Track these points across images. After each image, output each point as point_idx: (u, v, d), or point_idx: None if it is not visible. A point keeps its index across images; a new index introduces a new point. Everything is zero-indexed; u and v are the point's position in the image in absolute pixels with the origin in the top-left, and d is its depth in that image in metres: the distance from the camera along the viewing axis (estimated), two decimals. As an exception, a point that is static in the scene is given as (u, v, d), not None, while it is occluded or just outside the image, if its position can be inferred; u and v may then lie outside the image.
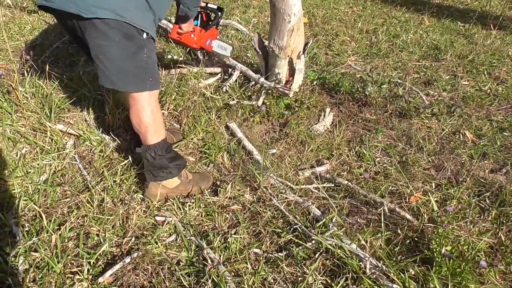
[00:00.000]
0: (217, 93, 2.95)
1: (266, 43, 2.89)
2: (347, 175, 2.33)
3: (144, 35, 1.80)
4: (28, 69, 3.17)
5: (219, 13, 2.64)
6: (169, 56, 3.42)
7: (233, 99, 2.82)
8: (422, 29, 4.41)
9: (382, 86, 2.93)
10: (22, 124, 2.52)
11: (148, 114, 1.91)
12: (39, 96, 2.67)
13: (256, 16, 4.62)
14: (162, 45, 3.86)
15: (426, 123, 2.74)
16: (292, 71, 2.85)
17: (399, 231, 1.87)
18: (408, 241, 1.83)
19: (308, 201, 2.05)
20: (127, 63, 1.80)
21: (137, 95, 1.88)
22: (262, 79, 2.82)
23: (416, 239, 1.84)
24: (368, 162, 2.42)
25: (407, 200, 2.10)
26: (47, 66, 2.74)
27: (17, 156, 2.26)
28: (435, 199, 2.02)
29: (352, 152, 2.53)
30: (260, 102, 2.78)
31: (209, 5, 2.61)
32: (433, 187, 2.19)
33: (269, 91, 2.89)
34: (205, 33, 2.72)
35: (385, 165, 2.40)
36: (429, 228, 1.86)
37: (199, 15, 2.63)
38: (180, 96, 2.77)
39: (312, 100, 2.85)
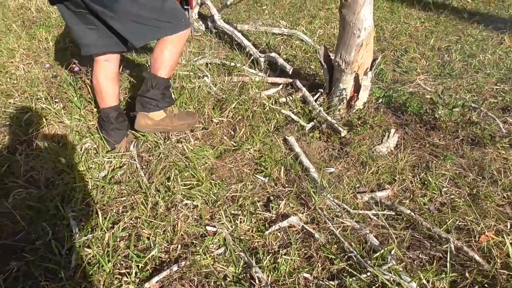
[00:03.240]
0: (277, 104, 2.89)
1: (332, 56, 2.80)
2: (410, 203, 2.17)
3: None
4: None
5: None
6: (232, 64, 3.42)
7: (293, 112, 2.76)
8: (501, 49, 4.09)
9: (454, 110, 2.73)
10: (89, 119, 2.61)
11: (171, 51, 2.16)
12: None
13: (322, 27, 4.52)
14: (226, 51, 3.88)
15: (502, 153, 2.51)
16: (357, 87, 2.73)
17: (466, 274, 1.70)
18: (476, 287, 1.65)
19: (365, 229, 1.93)
20: (161, 13, 2.04)
21: (167, 37, 2.12)
22: (322, 112, 2.71)
23: (486, 286, 1.66)
24: (434, 192, 2.24)
25: (477, 239, 1.91)
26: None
27: (81, 150, 2.34)
28: (511, 241, 1.82)
29: (417, 179, 2.36)
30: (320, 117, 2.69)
31: None
32: (508, 227, 1.98)
33: (330, 107, 2.80)
34: None
35: (452, 196, 2.21)
36: (503, 276, 1.67)
37: None
38: (240, 105, 2.75)
39: (377, 119, 2.71)
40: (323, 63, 2.77)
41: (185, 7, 2.58)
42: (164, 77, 2.25)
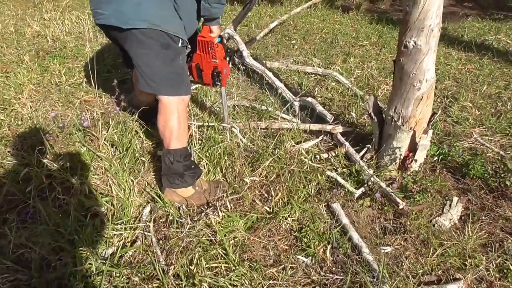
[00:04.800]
0: (317, 160, 2.49)
1: (382, 106, 2.41)
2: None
3: (179, 43, 2.00)
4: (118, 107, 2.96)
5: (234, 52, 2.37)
6: (263, 107, 3.05)
7: (337, 172, 2.35)
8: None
9: (527, 176, 2.30)
10: (99, 175, 2.24)
11: (175, 119, 2.03)
12: (121, 144, 2.39)
13: (359, 66, 4.15)
14: (255, 91, 3.52)
15: None
16: (413, 146, 2.32)
17: None
18: None
19: None
20: (166, 70, 1.98)
21: (168, 100, 2.02)
22: (374, 177, 2.28)
23: None
24: (518, 286, 1.79)
25: None
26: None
27: (87, 219, 1.95)
28: None
29: (492, 265, 1.92)
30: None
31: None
32: None
33: (380, 167, 2.39)
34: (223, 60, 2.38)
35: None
36: None
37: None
38: (274, 162, 2.35)
39: (436, 184, 2.29)
40: (374, 117, 2.38)
41: (217, 83, 2.41)
42: (179, 148, 2.07)
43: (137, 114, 2.58)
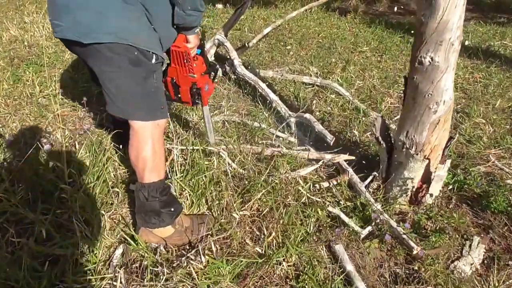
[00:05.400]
0: (317, 189, 2.19)
1: (390, 127, 2.12)
2: None
3: (153, 60, 1.67)
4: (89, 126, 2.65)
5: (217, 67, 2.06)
6: (256, 124, 2.74)
7: (340, 205, 2.05)
8: None
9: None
10: (62, 210, 1.92)
11: (149, 148, 1.72)
12: (91, 173, 2.08)
13: (359, 76, 3.85)
14: (247, 104, 3.21)
15: None
16: (427, 176, 2.02)
17: None
18: None
19: None
20: (136, 90, 1.68)
21: (140, 126, 1.70)
22: (384, 215, 1.95)
23: None
24: None
25: None
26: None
27: (44, 266, 1.64)
28: None
29: (523, 323, 1.62)
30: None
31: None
32: None
33: (388, 199, 2.09)
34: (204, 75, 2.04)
35: None
36: None
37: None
38: (268, 193, 2.05)
39: (454, 221, 2.00)
40: (381, 141, 2.08)
41: (197, 101, 2.08)
42: (155, 181, 1.76)
43: (112, 133, 2.26)
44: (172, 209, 1.82)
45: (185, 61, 1.91)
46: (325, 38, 5.13)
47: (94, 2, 1.51)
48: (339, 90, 3.32)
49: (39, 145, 2.23)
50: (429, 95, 1.83)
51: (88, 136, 2.40)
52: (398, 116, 3.14)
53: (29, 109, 3.02)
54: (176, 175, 2.12)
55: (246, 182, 2.12)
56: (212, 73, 2.15)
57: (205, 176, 2.09)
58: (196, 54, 1.98)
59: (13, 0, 6.54)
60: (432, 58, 1.75)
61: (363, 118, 2.98)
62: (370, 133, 2.89)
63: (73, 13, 1.52)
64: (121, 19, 1.55)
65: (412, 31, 5.51)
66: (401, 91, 3.62)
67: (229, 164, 2.23)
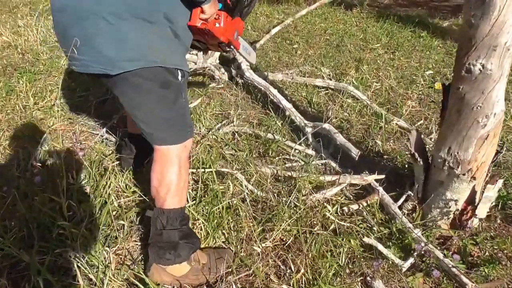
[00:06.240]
0: (345, 214, 1.96)
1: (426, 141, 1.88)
2: None
3: (179, 77, 1.51)
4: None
5: None
6: (269, 135, 2.50)
7: (372, 230, 1.82)
8: None
9: None
10: (60, 247, 1.69)
11: (175, 172, 1.57)
12: (91, 205, 1.84)
13: (374, 76, 3.61)
14: (257, 112, 2.97)
15: None
16: (472, 197, 1.79)
17: None
18: None
19: None
20: (168, 115, 1.54)
21: (168, 149, 1.56)
22: (430, 246, 1.70)
23: None
24: None
25: None
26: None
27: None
28: None
29: None
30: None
31: None
32: None
33: (426, 222, 1.86)
34: (232, 21, 1.75)
35: None
36: None
37: None
38: (293, 222, 1.81)
39: (506, 247, 1.76)
40: (418, 158, 1.84)
41: (228, 49, 1.83)
42: (176, 207, 1.58)
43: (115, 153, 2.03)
44: (191, 242, 1.60)
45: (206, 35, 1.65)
46: (333, 34, 4.89)
47: (115, 28, 1.32)
48: (356, 94, 3.07)
49: (33, 171, 2.00)
50: (478, 108, 1.59)
51: (87, 158, 2.17)
52: (422, 121, 2.93)
53: (23, 123, 2.79)
54: (188, 202, 1.88)
55: (268, 210, 1.88)
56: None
57: (220, 203, 1.86)
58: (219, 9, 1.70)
59: (6, 2, 6.26)
60: (483, 66, 1.51)
61: (385, 125, 2.74)
62: (392, 139, 2.67)
63: (92, 44, 1.34)
64: (147, 38, 1.37)
65: (422, 24, 5.26)
66: (421, 92, 3.39)
67: (245, 186, 1.99)
